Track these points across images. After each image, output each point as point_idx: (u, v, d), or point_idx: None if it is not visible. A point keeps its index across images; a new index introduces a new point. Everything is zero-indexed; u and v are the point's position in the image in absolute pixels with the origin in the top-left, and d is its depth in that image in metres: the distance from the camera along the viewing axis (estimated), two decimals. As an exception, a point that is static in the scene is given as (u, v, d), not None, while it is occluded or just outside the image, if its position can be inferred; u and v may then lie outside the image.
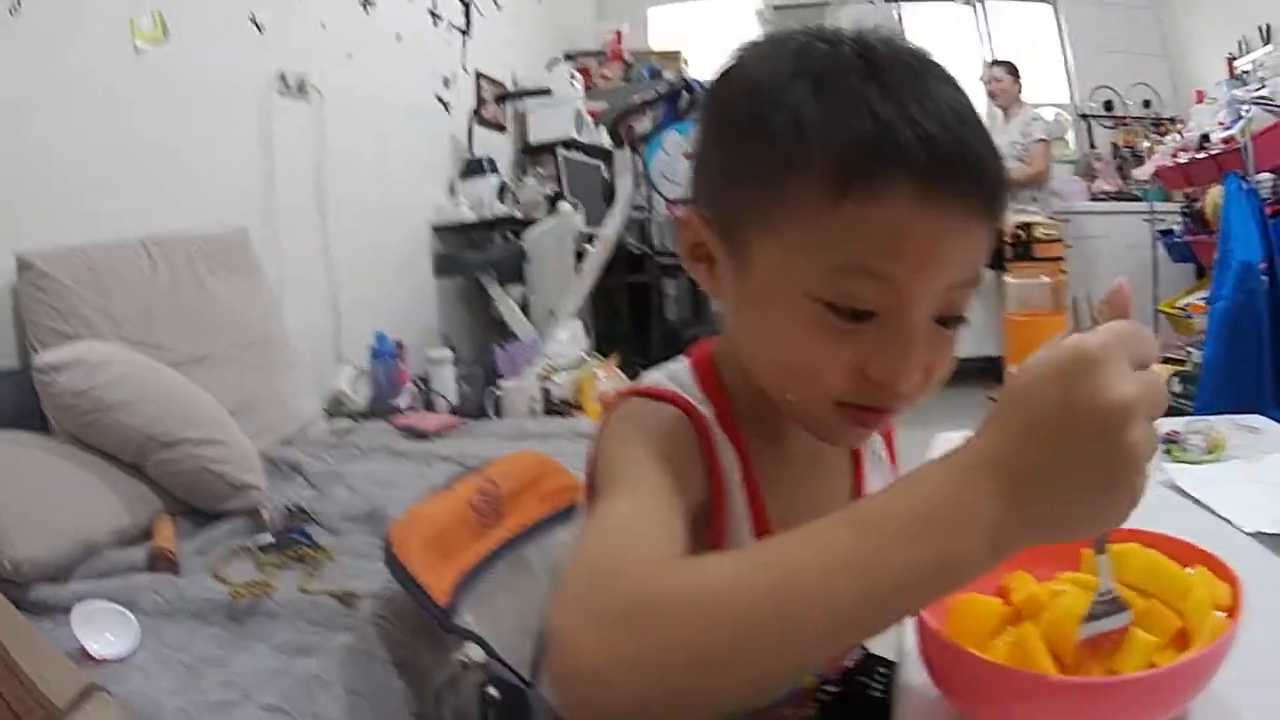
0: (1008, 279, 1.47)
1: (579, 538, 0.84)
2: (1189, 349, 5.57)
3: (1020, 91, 7.40)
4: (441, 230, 5.63)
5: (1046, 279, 1.44)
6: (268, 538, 2.45)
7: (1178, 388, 5.35)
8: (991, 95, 7.34)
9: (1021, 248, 1.47)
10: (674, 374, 1.09)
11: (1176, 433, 1.83)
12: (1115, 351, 0.64)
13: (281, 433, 3.47)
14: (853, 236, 0.85)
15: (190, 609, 2.07)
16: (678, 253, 1.06)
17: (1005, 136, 6.96)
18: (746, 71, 0.96)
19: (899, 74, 0.87)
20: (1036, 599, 0.92)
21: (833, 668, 1.23)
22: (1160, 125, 7.62)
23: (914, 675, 0.97)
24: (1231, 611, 0.87)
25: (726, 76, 0.99)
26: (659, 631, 0.66)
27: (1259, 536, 1.35)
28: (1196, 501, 1.53)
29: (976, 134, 0.88)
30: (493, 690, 1.37)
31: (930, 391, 0.97)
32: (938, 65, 0.92)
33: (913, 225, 0.84)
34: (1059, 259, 1.49)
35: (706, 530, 1.00)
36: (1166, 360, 5.79)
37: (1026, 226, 1.47)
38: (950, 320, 0.93)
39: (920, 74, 0.89)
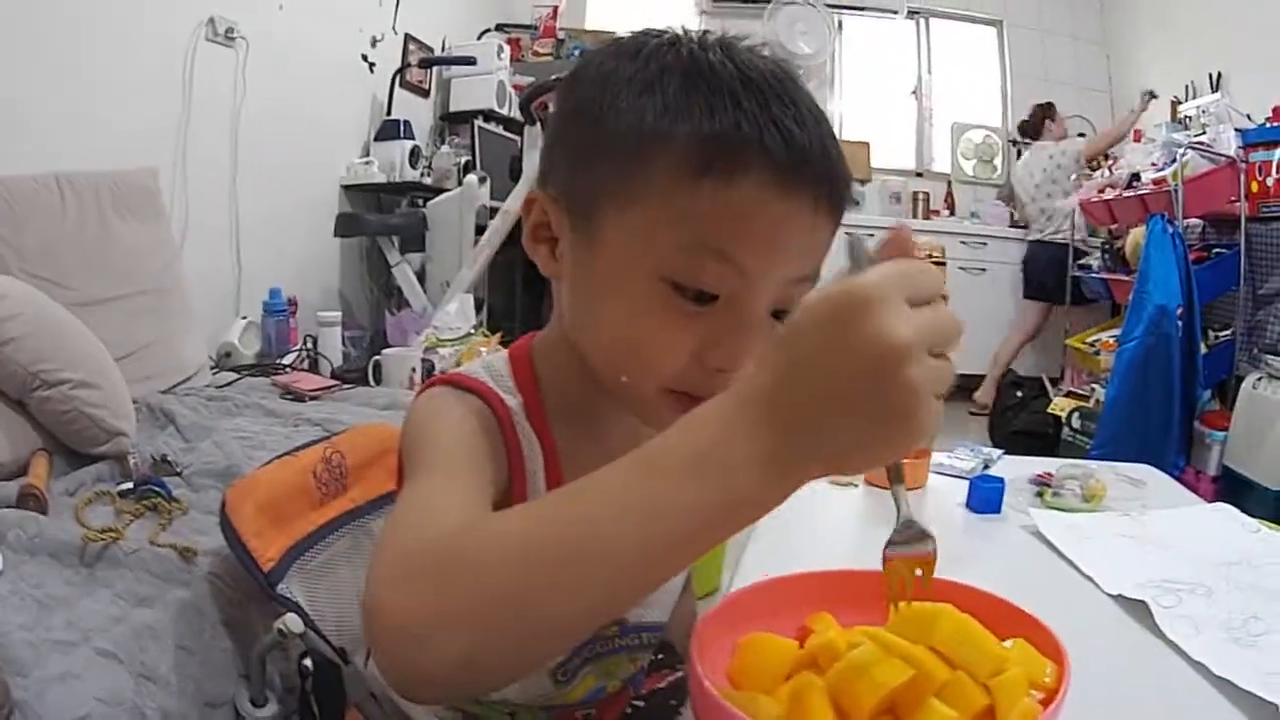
0: None
1: (388, 521, 0.84)
2: (1093, 385, 5.61)
3: None
4: (351, 190, 5.58)
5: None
6: (130, 486, 2.45)
7: (1077, 423, 5.39)
8: (1043, 132, 7.50)
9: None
10: (490, 364, 1.10)
11: (1050, 475, 1.78)
12: (890, 291, 0.64)
13: (166, 380, 3.43)
14: (708, 215, 0.88)
15: (49, 548, 2.07)
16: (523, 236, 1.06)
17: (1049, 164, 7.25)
18: (609, 67, 0.97)
19: (763, 78, 0.90)
20: (832, 646, 0.87)
21: (648, 684, 1.28)
22: (1093, 160, 7.69)
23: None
24: (1051, 696, 0.82)
25: (584, 74, 1.00)
26: (464, 581, 0.68)
27: (1120, 600, 1.30)
28: (1060, 554, 1.48)
29: (830, 136, 0.93)
30: (308, 663, 1.35)
31: None
32: (798, 77, 0.95)
33: (765, 210, 0.87)
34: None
35: None
36: (1070, 395, 5.84)
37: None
38: (785, 314, 0.91)
39: (783, 80, 0.91)
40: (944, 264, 1.69)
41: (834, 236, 0.95)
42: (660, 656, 1.30)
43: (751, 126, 0.86)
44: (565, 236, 0.99)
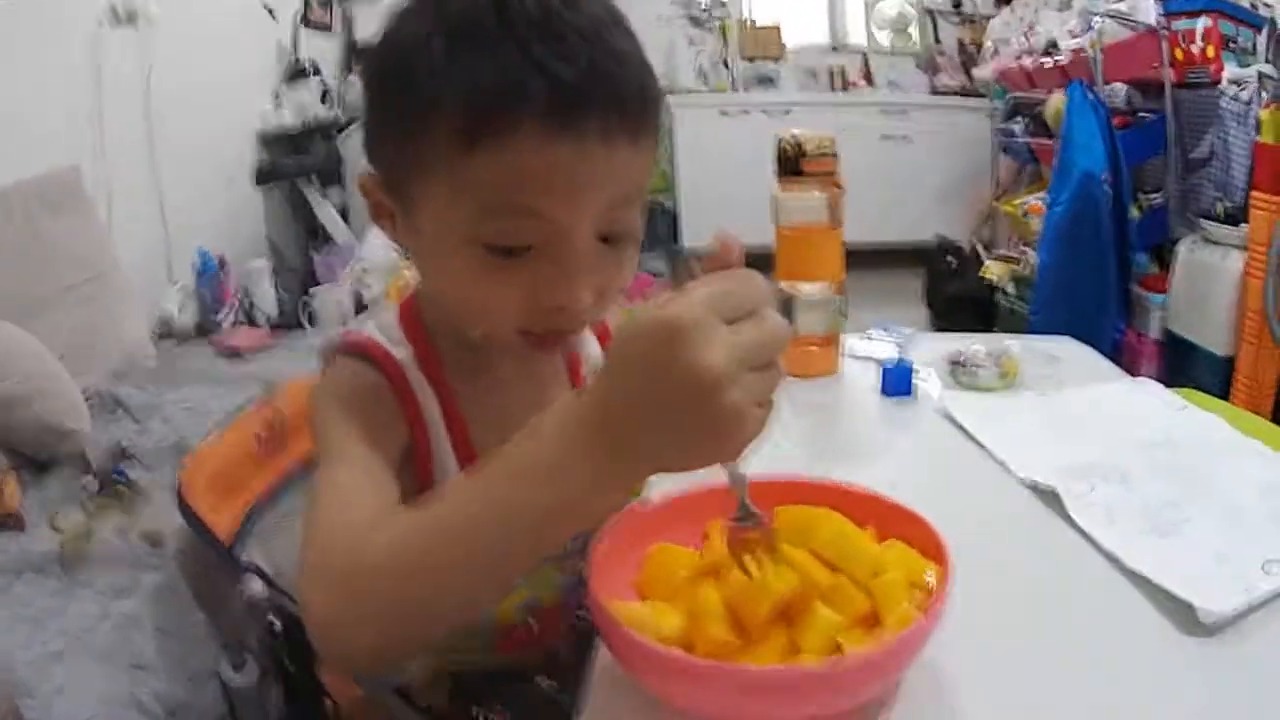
0: (778, 194, 1.49)
1: (308, 504, 0.94)
2: (1025, 249, 5.64)
3: None
4: (267, 139, 5.52)
5: (819, 193, 1.46)
6: (94, 481, 2.52)
7: (1011, 289, 5.42)
8: None
9: (789, 164, 1.48)
10: (381, 321, 1.15)
11: (961, 355, 1.74)
12: (703, 316, 0.67)
13: (112, 365, 3.47)
14: (490, 181, 0.89)
15: (32, 564, 2.15)
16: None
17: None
18: (395, 32, 0.97)
19: (531, 15, 0.88)
20: (726, 554, 0.90)
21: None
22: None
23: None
24: (933, 598, 0.84)
25: (381, 38, 1.00)
26: (365, 589, 0.80)
27: (1032, 487, 1.28)
28: (972, 438, 1.46)
29: (612, 56, 0.91)
30: (276, 622, 1.40)
31: (607, 308, 1.04)
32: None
33: (543, 160, 0.88)
34: (830, 173, 1.51)
35: (415, 467, 1.10)
36: (1003, 259, 5.87)
37: (795, 142, 1.48)
38: (616, 238, 0.98)
39: (550, 12, 0.89)
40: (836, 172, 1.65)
41: (651, 149, 0.98)
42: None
43: (512, 77, 0.86)
44: (396, 211, 1.04)
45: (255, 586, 1.43)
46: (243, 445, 1.57)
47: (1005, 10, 7.01)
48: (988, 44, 7.10)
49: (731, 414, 0.67)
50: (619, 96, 0.90)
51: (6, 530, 2.30)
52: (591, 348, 1.29)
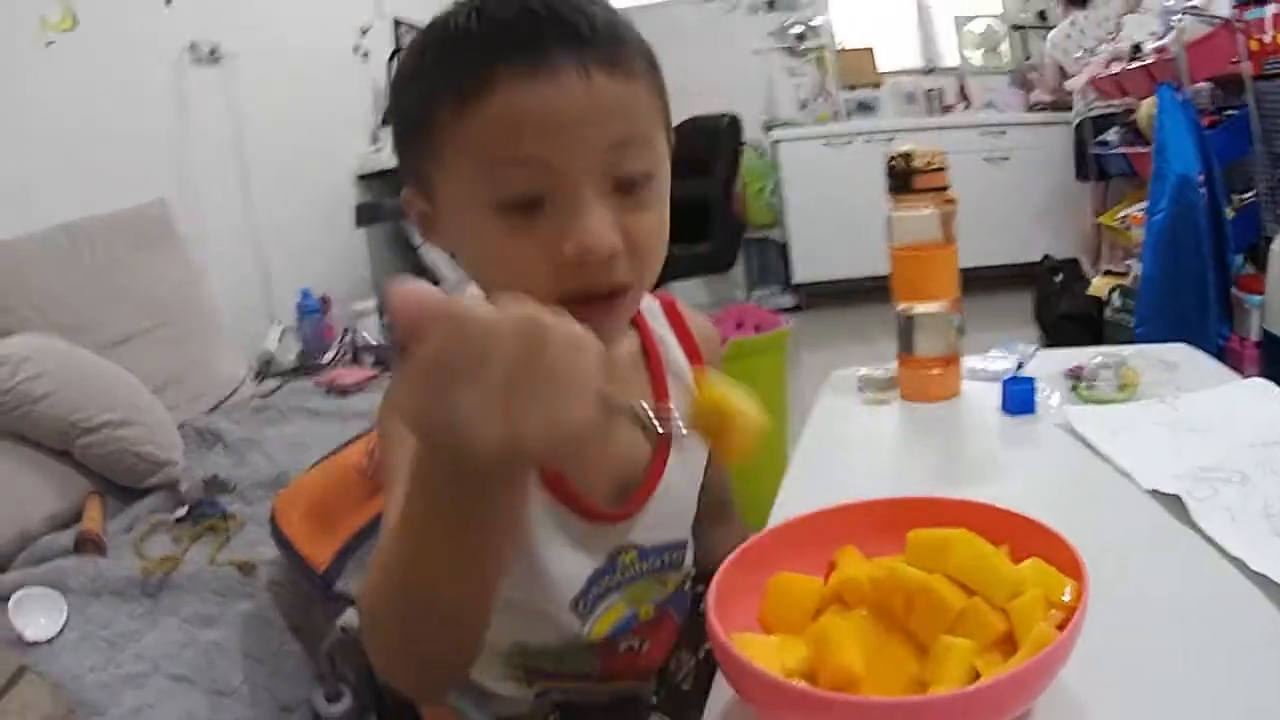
0: (890, 213, 1.47)
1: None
2: (1129, 262, 5.54)
3: None
4: (367, 179, 5.55)
5: (932, 209, 1.42)
6: (183, 511, 2.51)
7: (1118, 302, 5.32)
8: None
9: (900, 180, 1.45)
10: None
11: (1081, 368, 1.71)
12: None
13: (208, 400, 3.49)
14: (482, 137, 0.93)
15: (111, 588, 2.14)
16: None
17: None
18: (401, 64, 1.07)
19: (504, 13, 0.94)
20: (854, 582, 0.87)
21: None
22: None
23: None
24: (1069, 616, 0.78)
25: (394, 74, 1.13)
26: (372, 636, 0.87)
27: (1157, 495, 1.24)
28: (1096, 451, 1.42)
29: (577, 6, 0.95)
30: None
31: (650, 263, 1.03)
32: None
33: (528, 101, 0.91)
34: (941, 188, 1.47)
35: None
36: (1108, 274, 5.77)
37: (905, 156, 1.44)
38: (631, 184, 0.98)
39: (530, 8, 0.93)
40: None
41: (647, 90, 1.00)
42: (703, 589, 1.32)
43: (486, 36, 0.93)
44: (429, 210, 1.06)
45: (353, 618, 1.41)
46: (342, 477, 1.57)
47: (1065, 24, 7.01)
48: (1047, 58, 7.23)
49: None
50: (579, 29, 0.93)
51: (85, 553, 2.31)
52: (675, 353, 1.27)
